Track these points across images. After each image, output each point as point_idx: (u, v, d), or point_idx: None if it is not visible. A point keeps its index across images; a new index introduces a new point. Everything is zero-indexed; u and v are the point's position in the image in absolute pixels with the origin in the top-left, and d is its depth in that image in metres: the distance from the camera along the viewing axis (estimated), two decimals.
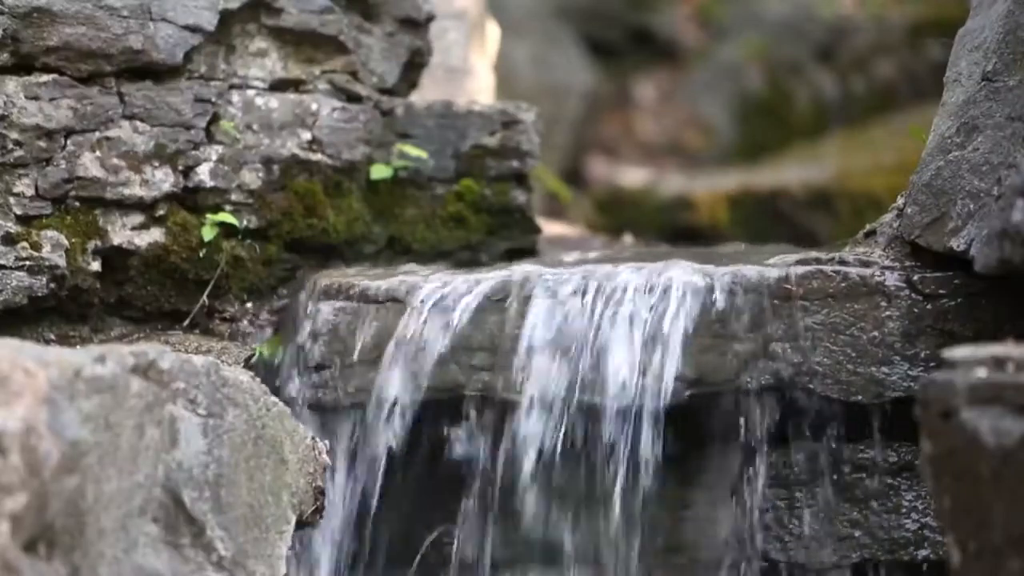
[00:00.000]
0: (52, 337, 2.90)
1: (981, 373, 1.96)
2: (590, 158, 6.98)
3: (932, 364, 2.61)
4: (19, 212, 2.84)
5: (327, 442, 2.60)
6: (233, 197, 3.02)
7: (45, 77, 2.86)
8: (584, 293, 2.71)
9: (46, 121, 2.85)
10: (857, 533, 2.68)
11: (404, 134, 3.22)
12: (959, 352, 2.01)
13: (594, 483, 2.68)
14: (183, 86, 2.98)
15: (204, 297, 2.99)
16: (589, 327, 2.69)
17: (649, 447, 2.65)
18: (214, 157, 3.00)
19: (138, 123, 2.93)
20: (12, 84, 2.83)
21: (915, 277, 2.69)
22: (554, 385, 2.68)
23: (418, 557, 2.78)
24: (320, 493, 2.48)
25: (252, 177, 3.04)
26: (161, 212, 2.96)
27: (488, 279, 2.79)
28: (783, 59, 7.14)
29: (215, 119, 3.01)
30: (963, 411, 1.93)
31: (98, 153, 2.89)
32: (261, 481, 2.37)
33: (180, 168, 2.97)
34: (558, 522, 2.71)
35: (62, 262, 2.85)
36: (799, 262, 2.74)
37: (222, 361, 2.49)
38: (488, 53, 4.51)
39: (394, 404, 2.74)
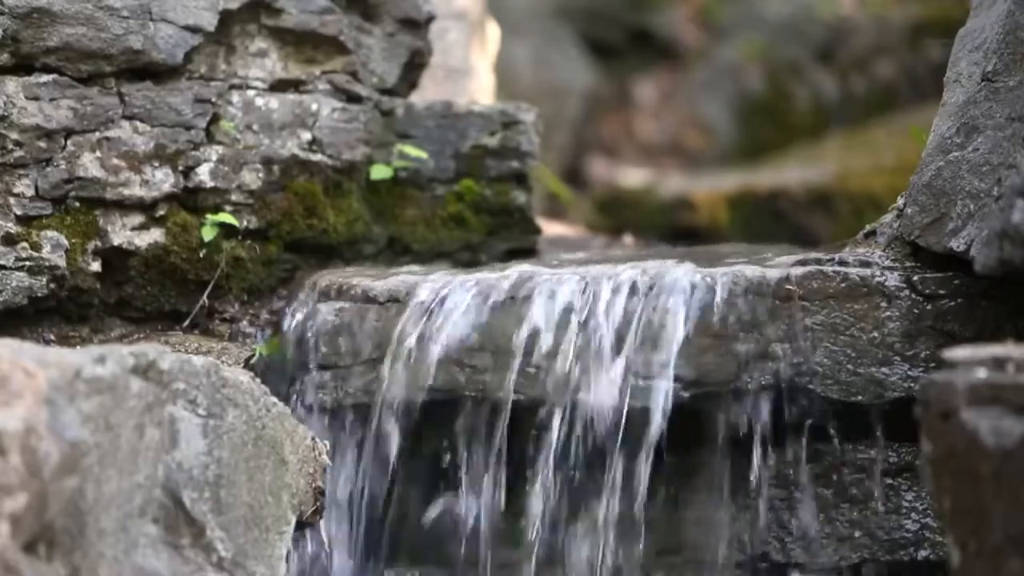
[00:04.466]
0: (52, 337, 2.90)
1: (981, 373, 1.96)
2: (590, 158, 6.99)
3: (932, 365, 2.61)
4: (19, 212, 2.84)
5: (327, 443, 2.60)
6: (233, 197, 3.02)
7: (45, 77, 2.86)
8: (584, 294, 2.72)
9: (46, 121, 2.85)
10: (857, 533, 2.68)
11: (404, 134, 3.22)
12: (959, 352, 2.01)
13: (594, 484, 2.68)
14: (183, 86, 2.98)
15: (204, 297, 2.99)
16: (588, 328, 2.69)
17: (649, 448, 2.64)
18: (214, 157, 3.00)
19: (138, 123, 2.93)
20: (12, 84, 2.83)
21: (915, 278, 2.69)
22: (554, 386, 2.68)
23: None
24: (320, 493, 2.48)
25: (252, 177, 3.04)
26: (161, 212, 2.96)
27: (488, 279, 2.79)
28: (783, 59, 7.15)
29: (215, 119, 3.01)
30: (963, 411, 1.93)
31: (98, 153, 2.89)
32: (261, 481, 2.37)
33: (180, 168, 2.97)
34: (558, 523, 2.71)
35: (62, 262, 2.85)
36: (799, 262, 2.75)
37: (222, 361, 2.50)
38: (488, 53, 4.52)
39: (394, 405, 2.74)
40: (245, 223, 3.03)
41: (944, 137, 2.74)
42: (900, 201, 2.82)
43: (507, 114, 3.26)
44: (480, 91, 4.37)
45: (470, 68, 4.39)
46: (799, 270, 2.70)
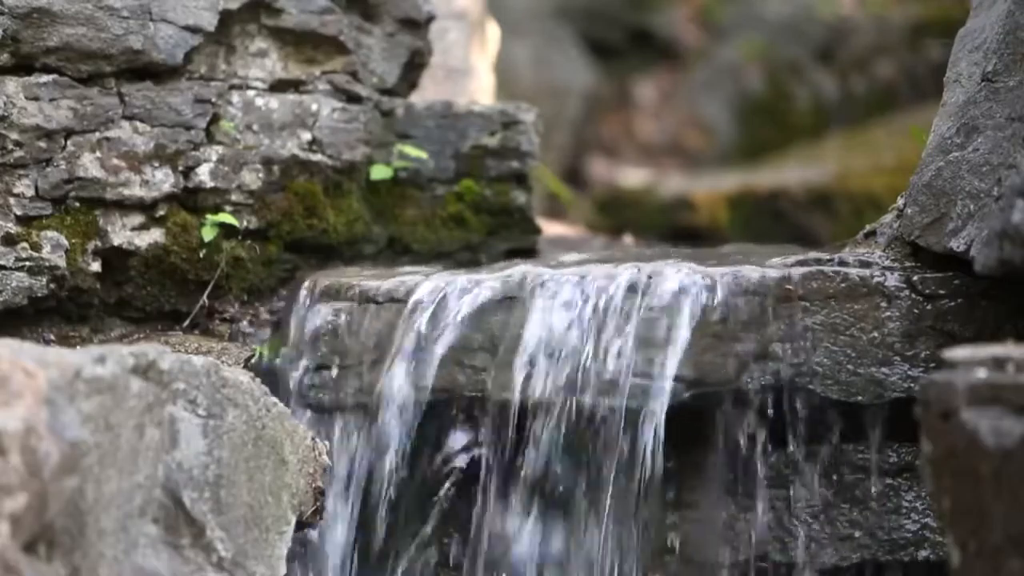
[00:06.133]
0: (52, 337, 2.90)
1: (981, 374, 1.96)
2: (590, 158, 6.99)
3: (932, 365, 2.61)
4: (19, 213, 2.84)
5: (327, 443, 2.60)
6: (233, 197, 3.02)
7: (45, 77, 2.86)
8: (584, 294, 2.72)
9: (46, 121, 2.85)
10: (857, 533, 2.68)
11: (404, 134, 3.22)
12: (959, 352, 2.01)
13: (594, 484, 2.68)
14: (183, 86, 2.98)
15: (204, 297, 3.00)
16: (589, 328, 2.69)
17: (649, 448, 2.64)
18: (214, 157, 3.00)
19: (138, 123, 2.93)
20: (12, 84, 2.83)
21: (915, 278, 2.69)
22: (554, 386, 2.68)
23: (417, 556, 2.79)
24: (320, 493, 2.48)
25: (252, 177, 3.04)
26: (161, 212, 2.96)
27: (488, 279, 2.79)
28: (783, 59, 7.15)
29: (215, 119, 3.01)
30: (963, 411, 1.93)
31: (98, 153, 2.89)
32: (261, 481, 2.37)
33: (180, 168, 2.97)
34: (558, 523, 2.71)
35: (62, 263, 2.85)
36: (799, 263, 2.75)
37: (222, 361, 2.49)
38: (488, 53, 4.52)
39: (394, 405, 2.74)
40: (245, 223, 3.03)
41: (944, 137, 2.74)
42: (900, 201, 2.82)
43: (507, 114, 3.26)
44: (480, 91, 4.38)
45: (470, 68, 4.40)
46: (799, 270, 2.70)
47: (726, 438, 2.69)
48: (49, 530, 2.02)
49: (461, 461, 2.75)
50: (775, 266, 2.73)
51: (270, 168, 3.06)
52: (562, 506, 2.71)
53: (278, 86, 3.10)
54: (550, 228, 3.81)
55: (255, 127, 3.05)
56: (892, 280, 2.69)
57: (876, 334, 2.67)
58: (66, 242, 2.86)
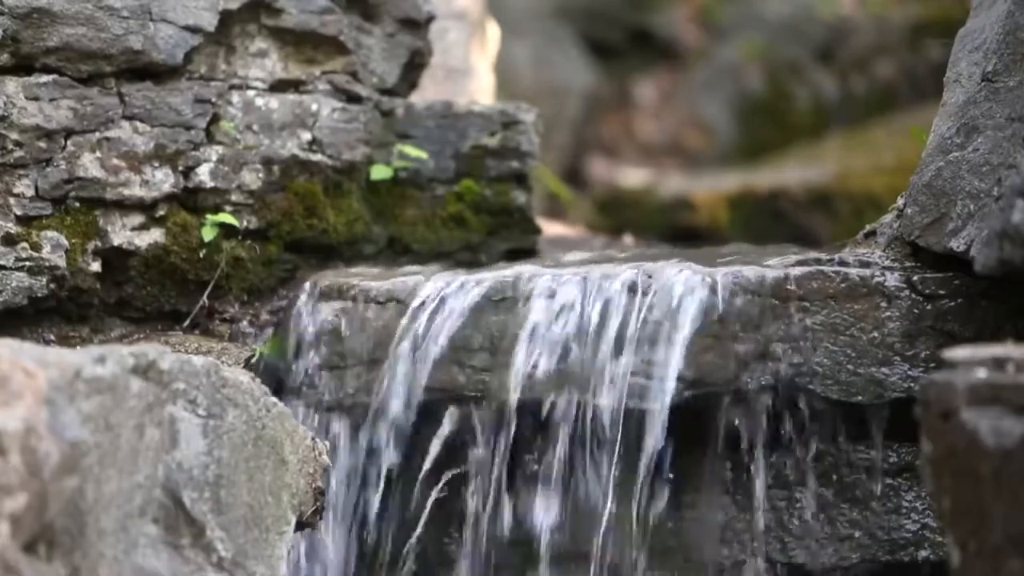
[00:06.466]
0: (52, 338, 2.90)
1: (981, 374, 1.96)
2: (590, 158, 6.99)
3: (932, 365, 2.61)
4: (19, 213, 2.84)
5: (327, 443, 2.60)
6: (233, 198, 3.02)
7: (45, 77, 2.86)
8: (584, 294, 2.72)
9: (46, 121, 2.85)
10: (857, 534, 2.68)
11: (404, 134, 3.22)
12: (959, 353, 2.01)
13: (594, 484, 2.68)
14: (183, 86, 2.98)
15: (204, 297, 3.00)
16: (589, 328, 2.69)
17: (649, 448, 2.65)
18: (214, 157, 3.00)
19: (138, 123, 2.93)
20: (12, 84, 2.83)
21: (915, 278, 2.69)
22: (554, 386, 2.68)
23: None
24: (320, 493, 2.48)
25: (252, 178, 3.04)
26: (161, 212, 2.96)
27: (488, 279, 2.79)
28: (783, 59, 7.15)
29: (215, 119, 3.01)
30: (963, 411, 1.93)
31: (98, 153, 2.89)
32: (261, 482, 2.37)
33: (180, 168, 2.97)
34: (558, 523, 2.71)
35: (62, 263, 2.85)
36: (799, 263, 2.75)
37: (222, 361, 2.49)
38: (488, 53, 4.52)
39: (394, 405, 2.74)
40: (245, 223, 3.03)
41: (944, 137, 2.74)
42: (900, 201, 2.82)
43: (507, 114, 3.26)
44: (480, 91, 4.38)
45: (470, 68, 4.40)
46: (799, 270, 2.70)
47: (726, 438, 2.69)
48: (49, 530, 2.02)
49: (460, 461, 2.75)
50: (775, 266, 2.73)
51: (270, 168, 3.06)
52: (562, 505, 2.71)
53: (278, 86, 3.10)
54: (550, 228, 3.81)
55: (255, 127, 3.05)
56: (892, 280, 2.69)
57: (876, 334, 2.67)
58: (66, 242, 2.86)
